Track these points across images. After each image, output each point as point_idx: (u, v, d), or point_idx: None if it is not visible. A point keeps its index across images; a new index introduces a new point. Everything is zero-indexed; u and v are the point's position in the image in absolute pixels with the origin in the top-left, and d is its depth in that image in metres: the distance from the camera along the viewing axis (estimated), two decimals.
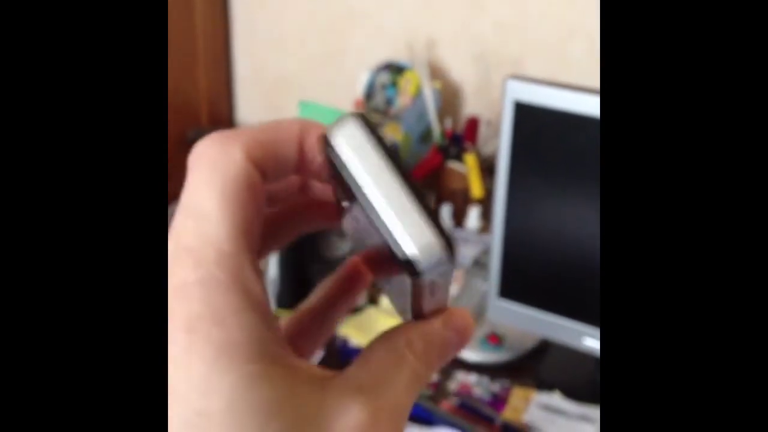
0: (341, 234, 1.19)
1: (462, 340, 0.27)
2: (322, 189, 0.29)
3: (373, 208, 0.23)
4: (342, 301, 0.31)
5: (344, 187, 0.24)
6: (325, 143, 0.23)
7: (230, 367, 0.22)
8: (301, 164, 0.26)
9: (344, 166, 0.23)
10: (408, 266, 0.22)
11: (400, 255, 0.22)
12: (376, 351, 0.25)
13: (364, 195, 0.23)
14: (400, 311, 0.29)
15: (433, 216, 0.23)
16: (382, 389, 0.24)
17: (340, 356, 1.12)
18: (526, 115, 0.96)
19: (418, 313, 0.27)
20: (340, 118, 0.24)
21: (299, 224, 0.30)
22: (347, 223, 0.28)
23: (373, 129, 0.23)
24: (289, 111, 1.54)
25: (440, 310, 0.27)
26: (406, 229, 0.22)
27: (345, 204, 0.25)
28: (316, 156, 0.26)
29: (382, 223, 0.23)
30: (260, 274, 0.24)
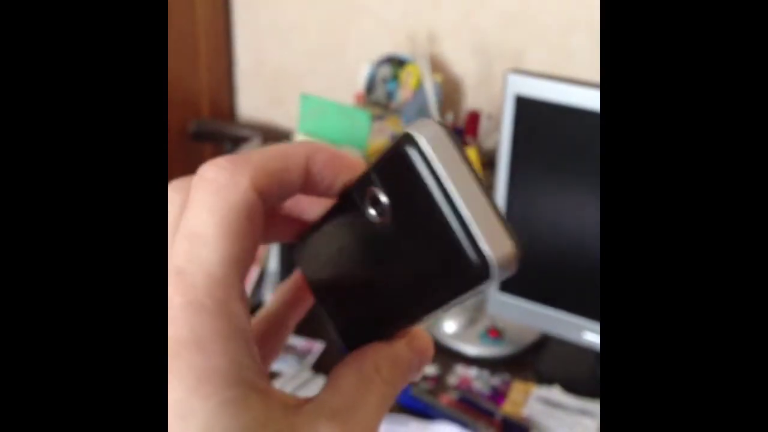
0: None
1: (423, 362, 0.28)
2: (291, 205, 0.29)
3: (451, 208, 0.23)
4: (297, 307, 0.32)
5: (404, 191, 0.24)
6: (404, 142, 0.24)
7: (209, 393, 0.22)
8: (306, 186, 0.26)
9: (424, 164, 0.23)
10: (479, 269, 0.23)
11: (475, 256, 0.23)
12: (346, 376, 0.26)
13: (444, 194, 0.23)
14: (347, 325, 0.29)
15: (509, 225, 0.23)
16: (352, 413, 0.25)
17: (340, 352, 1.12)
18: (527, 108, 0.96)
19: (389, 332, 0.27)
20: (421, 121, 0.24)
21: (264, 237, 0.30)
22: (320, 237, 0.29)
23: (453, 135, 0.24)
24: (290, 103, 1.54)
25: (404, 332, 0.28)
26: (486, 232, 0.23)
27: (373, 214, 0.25)
28: (324, 178, 0.26)
29: (460, 223, 0.23)
30: (246, 300, 0.25)
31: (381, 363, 0.27)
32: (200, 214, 0.24)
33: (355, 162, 0.27)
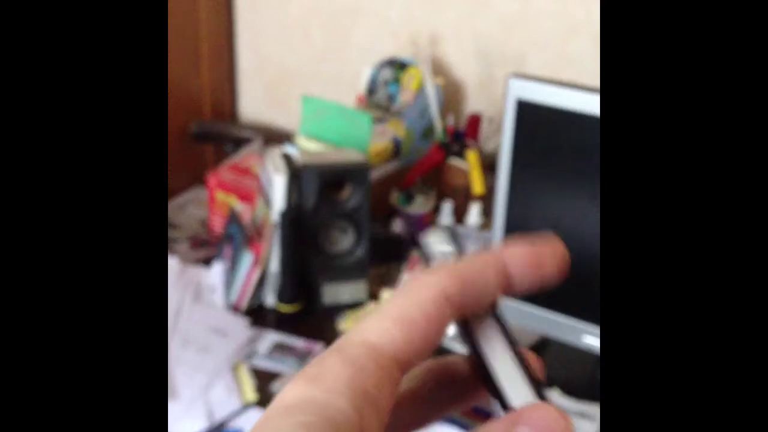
0: (343, 228, 1.19)
1: None
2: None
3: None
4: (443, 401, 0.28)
5: None
6: None
7: None
8: (506, 290, 0.25)
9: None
10: None
11: None
12: None
13: None
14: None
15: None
16: None
17: None
18: (529, 112, 0.96)
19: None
20: None
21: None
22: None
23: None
24: (292, 105, 1.54)
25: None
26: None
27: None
28: (525, 278, 0.25)
29: None
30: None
31: None
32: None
33: (555, 251, 0.26)
